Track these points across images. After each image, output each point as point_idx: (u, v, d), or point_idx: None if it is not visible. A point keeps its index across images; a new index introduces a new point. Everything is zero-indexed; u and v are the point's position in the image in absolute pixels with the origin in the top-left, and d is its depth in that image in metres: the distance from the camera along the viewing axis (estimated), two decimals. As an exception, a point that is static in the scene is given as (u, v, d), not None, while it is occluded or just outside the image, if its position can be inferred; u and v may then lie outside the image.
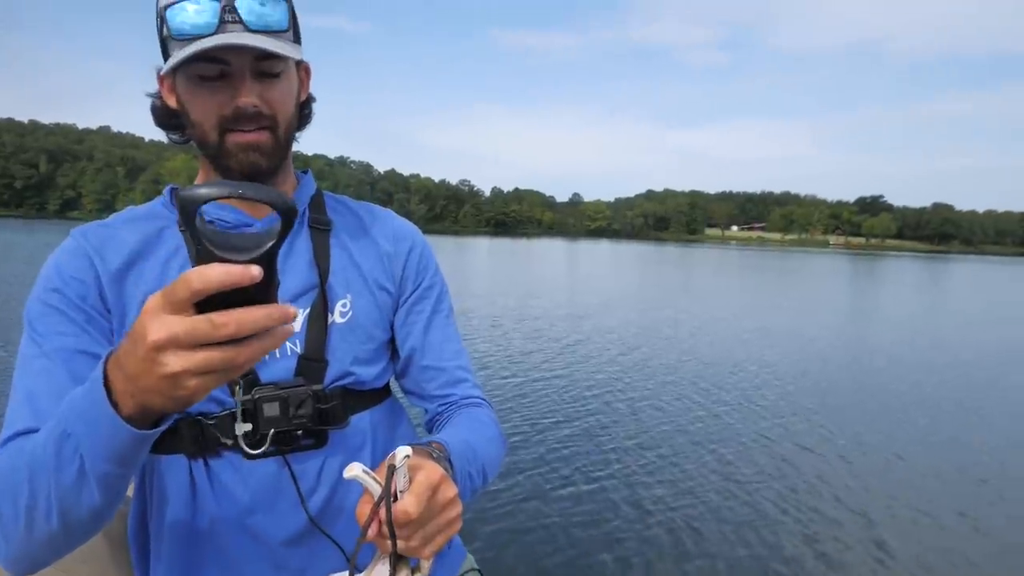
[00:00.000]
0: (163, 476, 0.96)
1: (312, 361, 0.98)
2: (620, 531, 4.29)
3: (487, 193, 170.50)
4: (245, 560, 0.98)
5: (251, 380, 0.93)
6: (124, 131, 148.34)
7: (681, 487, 5.02)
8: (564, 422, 6.59)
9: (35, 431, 0.80)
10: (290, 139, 1.01)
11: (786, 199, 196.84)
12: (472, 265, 34.06)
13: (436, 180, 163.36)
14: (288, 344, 0.97)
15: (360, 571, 0.71)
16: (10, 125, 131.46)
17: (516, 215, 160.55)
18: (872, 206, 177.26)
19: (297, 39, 0.96)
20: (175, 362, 0.58)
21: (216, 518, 0.96)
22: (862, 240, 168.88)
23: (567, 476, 5.17)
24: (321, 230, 1.06)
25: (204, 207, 0.70)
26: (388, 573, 0.71)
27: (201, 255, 0.57)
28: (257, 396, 0.92)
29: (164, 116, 1.01)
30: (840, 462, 5.69)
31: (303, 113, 1.06)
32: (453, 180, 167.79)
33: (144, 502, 1.00)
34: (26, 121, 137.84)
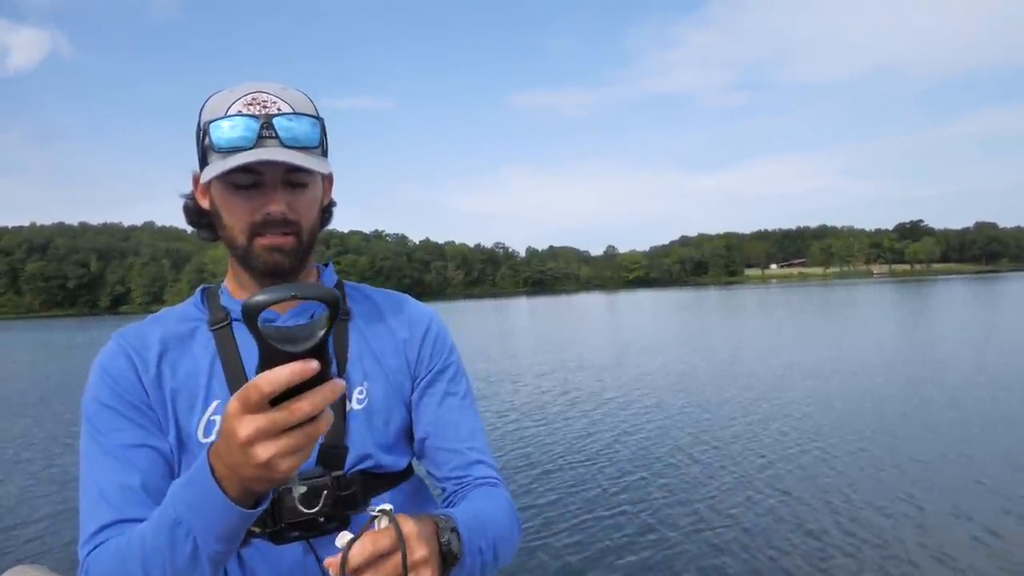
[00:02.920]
0: None
1: (332, 448, 1.01)
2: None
3: (522, 253, 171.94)
4: None
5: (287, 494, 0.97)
6: (167, 225, 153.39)
7: (749, 532, 4.88)
8: (619, 472, 6.49)
9: (118, 524, 0.92)
10: (312, 242, 1.08)
11: (823, 232, 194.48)
12: (515, 325, 34.12)
13: (471, 245, 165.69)
14: None
15: None
16: (61, 229, 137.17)
17: (553, 272, 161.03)
18: (913, 231, 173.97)
19: (325, 153, 1.05)
20: (264, 451, 0.67)
21: None
22: (906, 267, 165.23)
23: (611, 526, 5.07)
24: (340, 320, 1.10)
25: (233, 305, 0.90)
26: None
27: (265, 351, 0.65)
28: (281, 488, 0.94)
29: (195, 215, 1.10)
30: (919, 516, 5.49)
31: (324, 217, 1.13)
32: (487, 243, 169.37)
33: None
34: (76, 224, 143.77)
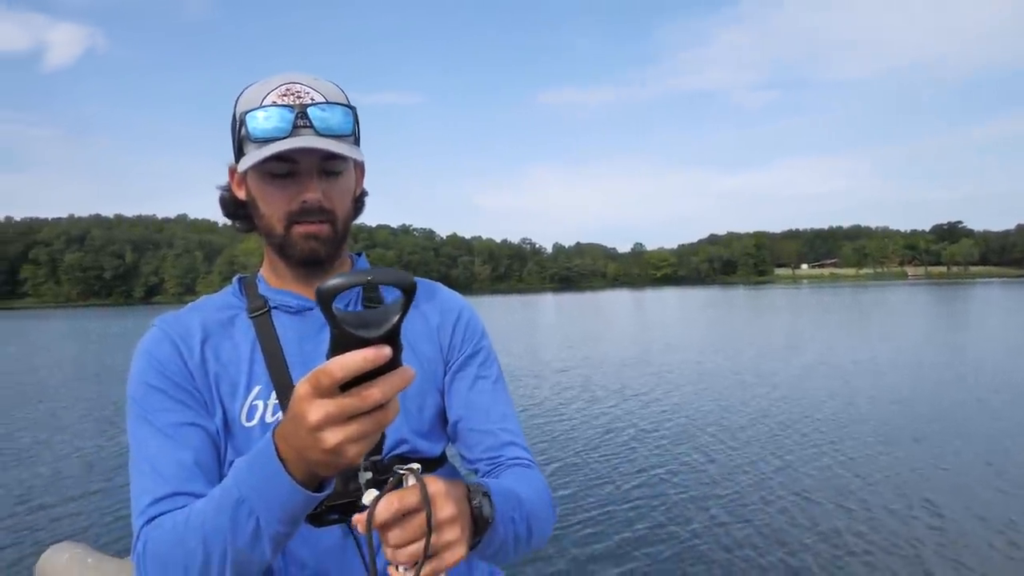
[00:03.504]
0: None
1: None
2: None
3: (549, 250, 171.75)
4: None
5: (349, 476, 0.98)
6: (200, 217, 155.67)
7: (770, 534, 4.93)
8: (644, 469, 6.56)
9: (172, 497, 0.93)
10: (347, 231, 1.10)
11: (856, 232, 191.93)
12: (540, 321, 34.19)
13: (498, 241, 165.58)
14: None
15: None
16: (98, 221, 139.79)
17: (579, 269, 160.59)
18: (951, 233, 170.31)
19: (357, 141, 1.07)
20: (333, 437, 0.66)
21: None
22: (943, 269, 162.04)
23: (636, 523, 5.15)
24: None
25: (271, 294, 0.98)
26: None
27: (338, 336, 0.63)
28: (364, 498, 0.95)
29: (231, 206, 1.13)
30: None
31: (357, 206, 1.15)
32: (514, 239, 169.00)
33: None
34: (112, 216, 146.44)
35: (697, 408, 9.60)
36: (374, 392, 0.65)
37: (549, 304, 58.12)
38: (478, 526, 0.84)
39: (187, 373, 1.04)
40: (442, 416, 1.17)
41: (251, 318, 1.10)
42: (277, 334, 1.08)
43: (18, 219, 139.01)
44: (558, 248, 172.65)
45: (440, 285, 1.27)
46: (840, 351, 15.73)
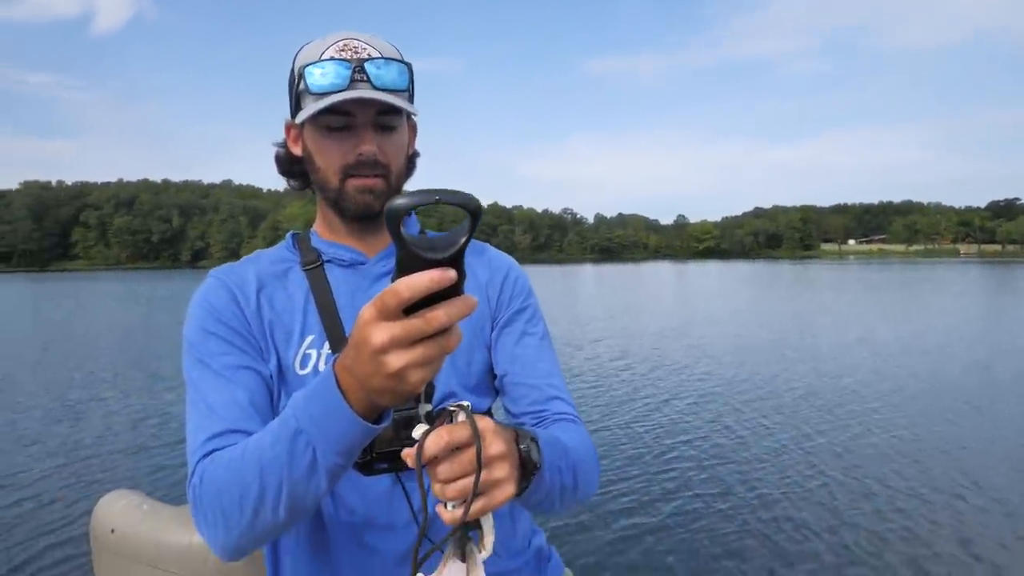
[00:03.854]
0: None
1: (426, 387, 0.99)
2: (735, 555, 4.21)
3: (590, 220, 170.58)
4: (363, 575, 1.05)
5: (407, 415, 0.98)
6: (244, 183, 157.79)
7: (807, 508, 4.87)
8: (683, 441, 6.53)
9: (227, 434, 0.95)
10: (400, 187, 1.12)
11: (908, 208, 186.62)
12: (580, 291, 34.11)
13: (539, 210, 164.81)
14: None
15: (431, 572, 0.74)
16: (146, 185, 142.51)
17: (621, 240, 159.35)
18: (1007, 209, 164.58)
19: (411, 98, 1.09)
20: (397, 360, 0.66)
21: (337, 533, 1.06)
22: (997, 247, 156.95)
23: (674, 493, 5.12)
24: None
25: (324, 247, 1.03)
26: (456, 570, 0.74)
27: (404, 258, 0.63)
28: (415, 432, 0.95)
29: (287, 164, 1.16)
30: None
31: (410, 166, 1.17)
32: (555, 209, 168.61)
33: None
34: (160, 180, 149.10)
35: (733, 381, 9.50)
36: (439, 315, 0.64)
37: (589, 275, 57.91)
38: (526, 470, 0.83)
39: (243, 319, 1.06)
40: (490, 372, 1.18)
41: (305, 270, 1.12)
42: (330, 286, 1.10)
43: (69, 183, 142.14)
44: (599, 218, 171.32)
45: (488, 245, 1.28)
46: (884, 328, 15.40)
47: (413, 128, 1.17)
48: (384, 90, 1.02)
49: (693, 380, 9.62)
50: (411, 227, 1.24)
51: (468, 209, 0.65)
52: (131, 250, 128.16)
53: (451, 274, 0.63)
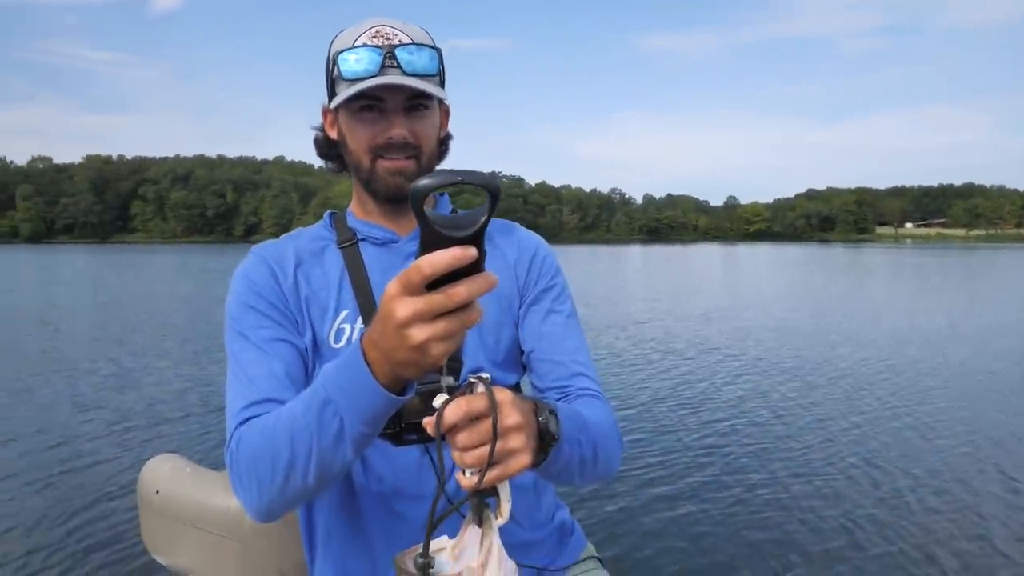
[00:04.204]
0: None
1: (451, 360, 1.05)
2: (764, 532, 4.24)
3: (639, 200, 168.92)
4: (393, 541, 1.09)
5: (431, 387, 1.02)
6: (296, 160, 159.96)
7: (835, 491, 4.88)
8: (719, 421, 6.56)
9: (263, 403, 1.00)
10: (431, 169, 1.15)
11: (969, 191, 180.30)
12: (626, 272, 33.95)
13: (587, 190, 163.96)
14: None
15: (454, 536, 0.78)
16: (202, 160, 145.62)
17: (669, 221, 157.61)
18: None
19: (442, 83, 1.13)
20: (420, 333, 0.69)
21: (368, 501, 1.12)
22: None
23: (706, 475, 5.17)
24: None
25: (359, 226, 1.13)
26: (474, 534, 0.77)
27: (427, 235, 0.66)
28: (435, 402, 1.00)
29: (325, 147, 1.22)
30: None
31: (442, 149, 1.21)
32: (604, 189, 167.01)
33: None
34: (215, 156, 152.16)
35: (775, 366, 9.39)
36: (460, 290, 0.67)
37: (636, 256, 57.51)
38: (544, 441, 0.85)
39: (281, 294, 1.12)
40: (517, 348, 1.22)
41: (340, 248, 1.18)
42: (364, 264, 1.16)
43: (129, 157, 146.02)
44: (648, 199, 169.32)
45: (518, 225, 1.32)
46: (936, 315, 15.01)
47: (446, 111, 1.21)
48: (415, 75, 1.06)
49: (734, 362, 9.56)
50: (443, 207, 1.28)
51: (488, 189, 0.67)
52: (186, 224, 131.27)
53: (472, 252, 0.66)
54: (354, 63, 1.05)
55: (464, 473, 0.77)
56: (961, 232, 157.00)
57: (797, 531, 4.18)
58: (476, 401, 0.75)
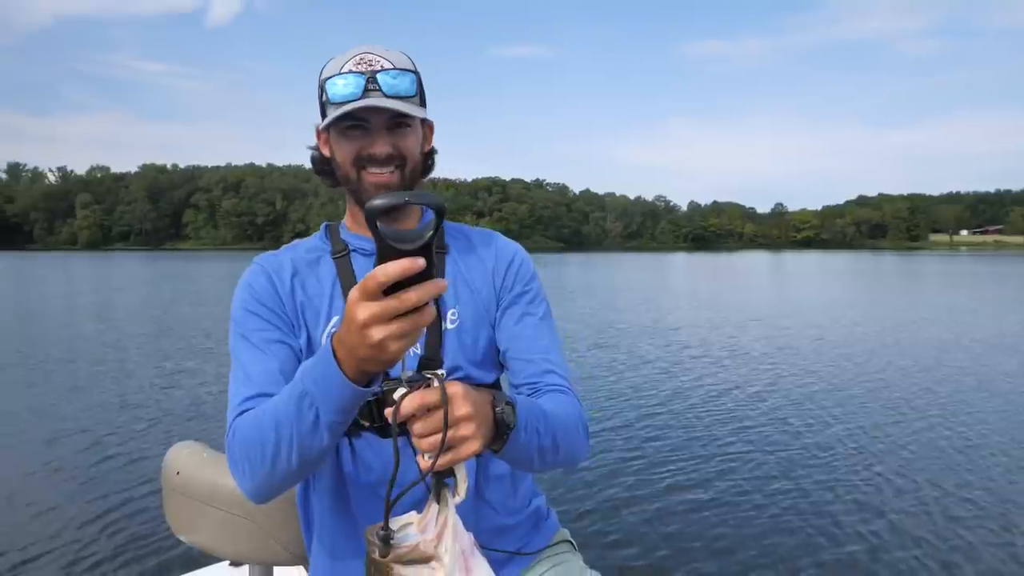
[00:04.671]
0: None
1: (430, 360, 1.20)
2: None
3: (684, 208, 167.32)
4: (377, 522, 1.16)
5: (392, 383, 1.12)
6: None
7: (853, 498, 4.88)
8: (742, 429, 6.59)
9: (258, 397, 1.12)
10: (415, 181, 1.27)
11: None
12: (667, 281, 33.78)
13: (631, 197, 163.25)
14: (411, 348, 1.18)
15: (419, 512, 0.87)
16: (252, 169, 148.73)
17: (715, 229, 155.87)
18: None
19: (423, 102, 1.25)
20: (377, 333, 0.79)
21: (357, 487, 1.23)
22: None
23: (720, 480, 5.23)
24: (438, 253, 1.31)
25: (350, 238, 1.24)
26: (434, 511, 0.86)
27: (382, 249, 0.76)
28: (385, 388, 1.11)
29: (320, 164, 1.32)
30: None
31: (427, 164, 1.33)
32: (648, 196, 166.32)
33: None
34: (264, 164, 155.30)
35: (814, 375, 9.39)
36: (411, 295, 0.77)
37: (679, 264, 57.06)
38: (500, 429, 0.96)
39: (278, 300, 1.23)
40: (495, 348, 1.32)
41: (334, 259, 1.29)
42: (355, 274, 1.25)
43: (183, 166, 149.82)
44: (693, 206, 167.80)
45: (497, 234, 1.42)
46: (988, 324, 14.71)
47: (430, 127, 1.33)
48: (396, 97, 1.17)
49: (764, 371, 9.57)
50: (427, 219, 1.41)
51: (434, 208, 0.79)
52: (237, 231, 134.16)
53: (420, 262, 0.75)
54: (341, 87, 1.17)
55: (424, 457, 0.86)
56: (1020, 239, 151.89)
57: (813, 540, 4.25)
58: (429, 394, 0.85)
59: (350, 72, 1.18)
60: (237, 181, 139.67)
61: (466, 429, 0.88)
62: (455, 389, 0.88)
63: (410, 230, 0.78)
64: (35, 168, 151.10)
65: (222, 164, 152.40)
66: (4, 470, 5.59)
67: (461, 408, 0.87)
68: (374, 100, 1.16)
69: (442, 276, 1.25)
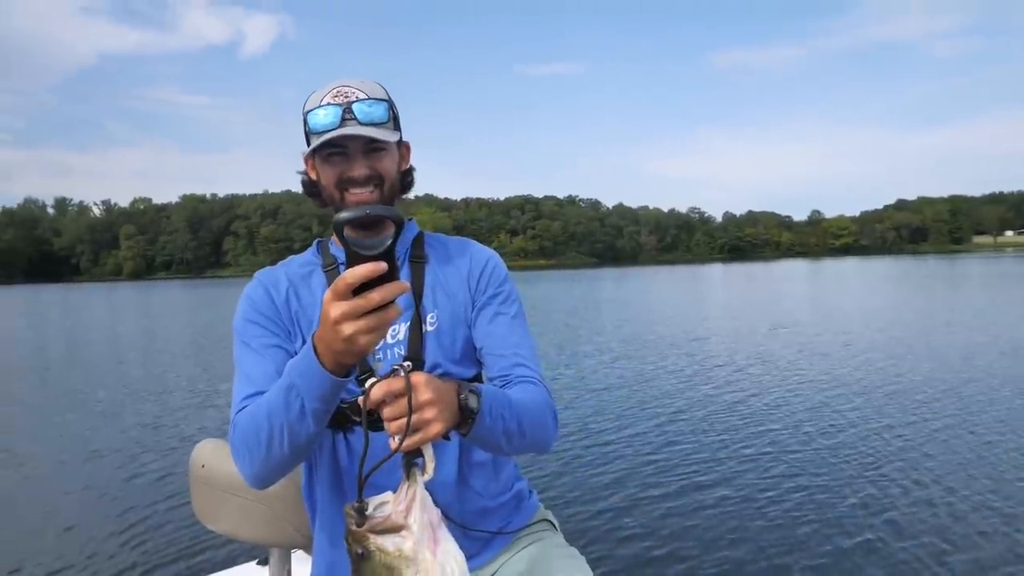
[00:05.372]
0: (321, 445, 1.38)
1: (412, 360, 1.30)
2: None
3: (718, 219, 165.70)
4: None
5: (368, 375, 1.25)
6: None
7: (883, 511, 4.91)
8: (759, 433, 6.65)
9: (258, 395, 1.23)
10: (394, 198, 1.41)
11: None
12: (701, 292, 33.60)
13: (665, 210, 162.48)
14: (396, 350, 1.36)
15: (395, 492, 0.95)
16: (289, 196, 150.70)
17: (751, 238, 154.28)
18: None
19: (397, 127, 1.40)
20: (348, 328, 0.92)
21: (350, 476, 1.35)
22: None
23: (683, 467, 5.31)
24: (418, 262, 1.45)
25: (339, 253, 1.39)
26: (405, 488, 0.95)
27: (350, 256, 0.89)
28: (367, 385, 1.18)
29: (309, 187, 1.45)
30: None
31: (405, 181, 1.47)
32: (682, 208, 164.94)
33: (311, 465, 1.44)
34: (301, 192, 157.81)
35: (844, 384, 9.37)
36: (375, 295, 0.89)
37: (715, 275, 56.60)
38: (465, 415, 1.07)
39: (276, 310, 1.37)
40: (472, 346, 1.44)
41: (324, 272, 1.42)
42: None
43: (221, 195, 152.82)
44: (728, 217, 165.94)
45: (474, 242, 1.55)
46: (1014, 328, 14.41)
47: (407, 148, 1.47)
48: (370, 124, 1.31)
49: (790, 382, 9.59)
50: (411, 229, 1.51)
51: (392, 219, 0.95)
52: (275, 257, 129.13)
53: (382, 266, 0.87)
54: (321, 118, 1.30)
55: (393, 439, 0.96)
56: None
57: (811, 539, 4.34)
58: (395, 382, 0.96)
59: (329, 104, 1.31)
60: (274, 208, 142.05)
61: (429, 413, 0.97)
62: (418, 378, 0.97)
63: (373, 239, 0.89)
64: (81, 202, 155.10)
65: (259, 192, 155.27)
66: (48, 486, 6.03)
67: (424, 394, 0.97)
68: (350, 128, 1.29)
69: (420, 283, 1.41)
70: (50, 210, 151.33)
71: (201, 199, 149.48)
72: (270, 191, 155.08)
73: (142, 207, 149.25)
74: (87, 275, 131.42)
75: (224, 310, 31.12)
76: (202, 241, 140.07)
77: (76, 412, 9.16)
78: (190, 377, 11.58)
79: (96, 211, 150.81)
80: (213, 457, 1.89)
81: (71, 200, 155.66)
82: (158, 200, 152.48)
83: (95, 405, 9.58)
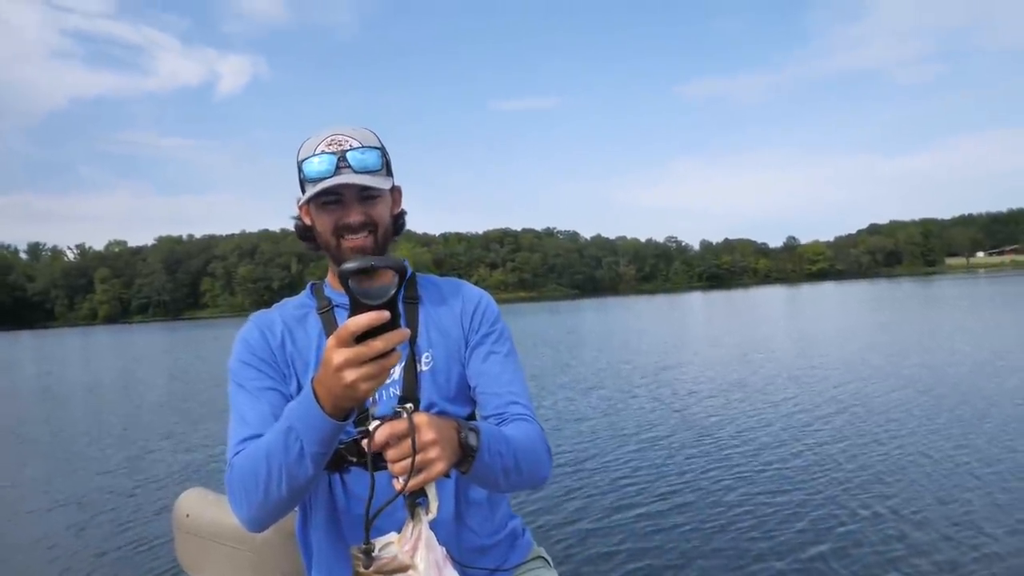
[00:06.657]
0: (317, 486, 1.38)
1: (407, 400, 1.34)
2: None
3: (696, 247, 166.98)
4: None
5: (365, 416, 1.28)
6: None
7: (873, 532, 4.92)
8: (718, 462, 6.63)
9: (254, 438, 1.24)
10: (387, 242, 1.42)
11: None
12: (681, 320, 33.73)
13: (642, 240, 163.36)
14: (391, 389, 1.37)
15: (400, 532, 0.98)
16: (266, 235, 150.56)
17: (729, 266, 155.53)
18: None
19: (389, 173, 1.41)
20: (350, 375, 0.93)
21: (348, 516, 1.36)
22: None
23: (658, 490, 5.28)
24: (411, 303, 1.46)
25: (333, 296, 1.42)
26: (410, 527, 0.98)
27: (354, 304, 0.91)
28: (370, 427, 1.18)
29: (302, 231, 1.45)
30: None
31: (398, 224, 1.47)
32: (659, 238, 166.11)
33: (306, 506, 1.44)
34: (278, 230, 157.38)
35: (817, 407, 9.39)
36: (378, 343, 0.91)
37: (694, 303, 56.89)
38: (466, 453, 1.09)
39: (271, 352, 1.39)
40: (466, 384, 1.45)
41: (319, 314, 1.44)
42: (338, 326, 1.33)
43: (198, 236, 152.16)
44: (705, 245, 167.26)
45: (465, 282, 1.58)
46: (1014, 349, 14.57)
47: (398, 192, 1.47)
48: (364, 171, 1.33)
49: (761, 406, 9.59)
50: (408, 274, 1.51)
51: (395, 270, 0.96)
52: (253, 297, 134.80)
53: (384, 315, 0.89)
54: (316, 166, 1.31)
55: (397, 479, 0.98)
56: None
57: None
58: (399, 424, 0.98)
59: (323, 152, 1.32)
60: (252, 247, 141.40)
61: (432, 452, 0.99)
62: (421, 419, 1.00)
63: (376, 288, 0.91)
64: (54, 247, 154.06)
65: (236, 232, 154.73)
66: (32, 533, 5.90)
67: (427, 434, 0.99)
68: (345, 177, 1.30)
69: (414, 324, 1.43)
70: (23, 255, 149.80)
71: (177, 240, 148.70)
72: (247, 231, 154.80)
73: (117, 250, 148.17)
74: (61, 320, 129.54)
75: (204, 351, 30.85)
76: (179, 283, 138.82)
77: (50, 460, 8.96)
78: (168, 423, 11.31)
79: (70, 255, 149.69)
80: (198, 506, 1.88)
81: (44, 245, 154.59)
82: (133, 243, 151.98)
83: (70, 454, 9.35)
